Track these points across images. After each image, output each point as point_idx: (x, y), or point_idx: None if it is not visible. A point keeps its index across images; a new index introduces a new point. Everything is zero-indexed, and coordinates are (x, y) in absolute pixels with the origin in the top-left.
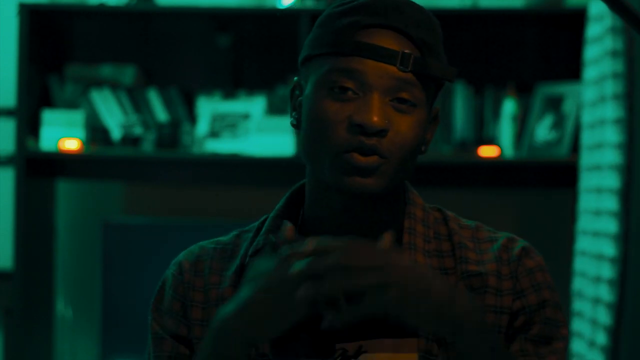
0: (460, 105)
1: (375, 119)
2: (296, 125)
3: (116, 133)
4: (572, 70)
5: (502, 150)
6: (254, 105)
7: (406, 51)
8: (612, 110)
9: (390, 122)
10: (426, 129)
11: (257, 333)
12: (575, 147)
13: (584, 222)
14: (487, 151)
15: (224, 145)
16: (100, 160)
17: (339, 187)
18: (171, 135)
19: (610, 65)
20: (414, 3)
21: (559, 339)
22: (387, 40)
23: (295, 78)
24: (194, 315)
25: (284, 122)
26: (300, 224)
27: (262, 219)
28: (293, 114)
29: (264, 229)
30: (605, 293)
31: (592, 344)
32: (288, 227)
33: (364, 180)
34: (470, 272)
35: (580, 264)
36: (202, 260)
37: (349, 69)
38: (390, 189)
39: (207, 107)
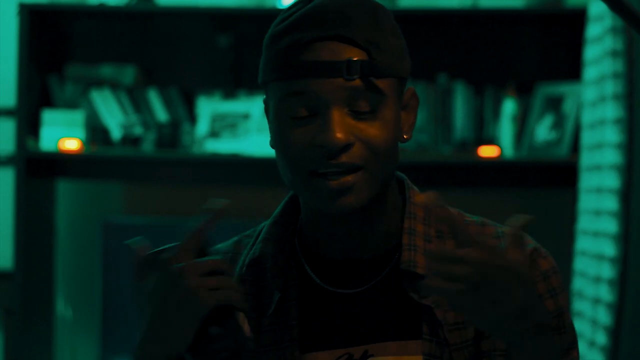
0: (460, 105)
1: (336, 136)
2: (273, 146)
3: (116, 133)
4: (572, 70)
5: (502, 150)
6: (254, 105)
7: (354, 58)
8: (612, 110)
9: (355, 132)
10: (397, 121)
11: (169, 349)
12: (575, 147)
13: (584, 222)
14: (487, 151)
15: (224, 145)
16: (100, 160)
17: (320, 211)
18: (171, 135)
19: (610, 65)
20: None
21: (573, 346)
22: (331, 52)
23: (264, 97)
24: None
25: None
26: (299, 229)
27: (264, 223)
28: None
29: (260, 237)
30: (605, 293)
31: (592, 344)
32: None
33: (342, 200)
34: None
35: (580, 264)
36: None
37: (299, 92)
38: (378, 195)
39: (207, 107)
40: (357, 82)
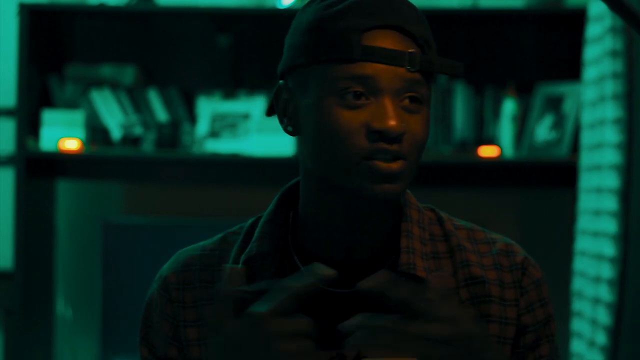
0: (460, 105)
1: (393, 123)
2: (293, 132)
3: (116, 133)
4: (572, 70)
5: (502, 150)
6: (254, 105)
7: (411, 50)
8: (612, 110)
9: (405, 124)
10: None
11: None
12: (575, 147)
13: (584, 222)
14: (487, 151)
15: (224, 145)
16: (100, 160)
17: (362, 194)
18: (171, 135)
19: (610, 65)
20: None
21: (558, 354)
22: (392, 41)
23: (281, 81)
24: (190, 335)
25: None
26: (292, 226)
27: (251, 221)
28: (284, 119)
29: (255, 235)
30: (605, 293)
31: (592, 344)
32: (234, 269)
33: (391, 186)
34: (474, 277)
35: (580, 264)
36: (190, 270)
37: (359, 75)
38: None
39: (207, 107)
40: (415, 75)
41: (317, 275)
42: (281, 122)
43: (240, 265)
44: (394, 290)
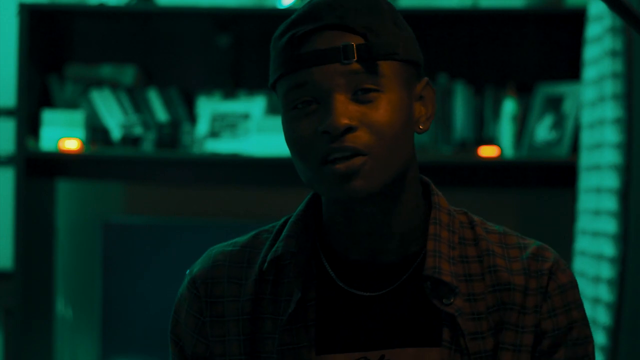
0: (460, 105)
1: (336, 120)
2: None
3: (116, 133)
4: (572, 70)
5: (502, 150)
6: (254, 105)
7: (350, 42)
8: (611, 110)
9: (359, 117)
10: (407, 107)
11: None
12: (575, 147)
13: (584, 222)
14: (487, 151)
15: (224, 145)
16: (100, 160)
17: (332, 199)
18: (171, 135)
19: (609, 65)
20: None
21: (585, 358)
22: (326, 40)
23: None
24: (213, 332)
25: None
26: (320, 228)
27: (283, 220)
28: None
29: (283, 235)
30: (605, 293)
31: None
32: None
33: (351, 184)
34: (502, 283)
35: (579, 263)
36: (220, 265)
37: (299, 84)
38: (389, 184)
39: (207, 107)
40: (356, 66)
41: None
42: None
43: (266, 265)
44: None
